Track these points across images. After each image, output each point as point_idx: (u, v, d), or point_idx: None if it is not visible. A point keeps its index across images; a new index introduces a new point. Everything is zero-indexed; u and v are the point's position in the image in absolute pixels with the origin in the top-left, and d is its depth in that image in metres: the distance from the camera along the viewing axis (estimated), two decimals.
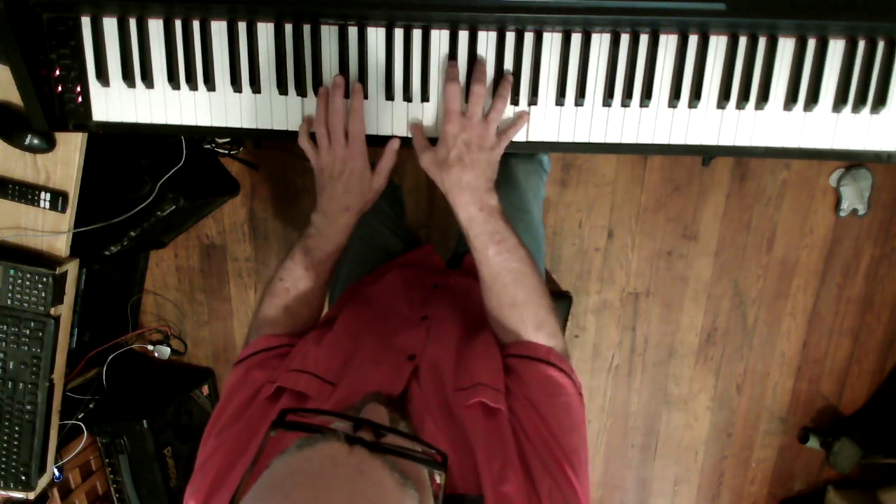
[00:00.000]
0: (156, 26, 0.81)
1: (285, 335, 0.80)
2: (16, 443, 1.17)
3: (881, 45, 0.77)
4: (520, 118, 0.80)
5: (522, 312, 0.73)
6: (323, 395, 0.65)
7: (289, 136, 0.85)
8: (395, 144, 0.83)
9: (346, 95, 0.81)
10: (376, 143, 0.83)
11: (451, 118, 0.76)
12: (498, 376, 0.67)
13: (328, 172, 0.81)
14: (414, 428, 0.60)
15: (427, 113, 0.83)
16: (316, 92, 0.82)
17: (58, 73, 0.83)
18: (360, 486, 0.41)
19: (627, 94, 0.80)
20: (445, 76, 0.79)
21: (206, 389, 1.95)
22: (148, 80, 0.83)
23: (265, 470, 0.44)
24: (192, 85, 0.83)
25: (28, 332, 1.12)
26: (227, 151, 1.67)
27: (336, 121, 0.79)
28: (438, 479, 0.46)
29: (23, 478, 1.19)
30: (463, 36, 0.79)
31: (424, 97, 0.82)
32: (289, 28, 0.80)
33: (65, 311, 1.15)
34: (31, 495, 1.22)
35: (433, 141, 0.80)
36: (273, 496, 0.40)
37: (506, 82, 0.79)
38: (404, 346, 0.73)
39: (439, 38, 0.80)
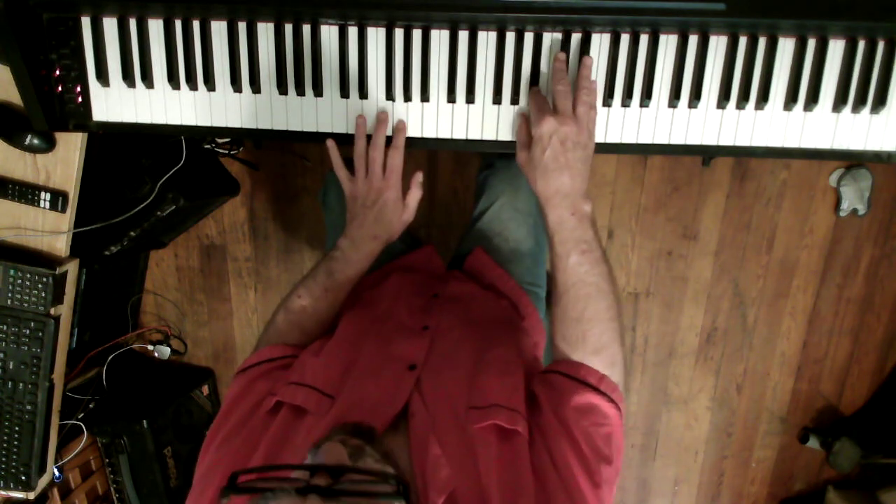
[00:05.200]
0: (156, 26, 0.81)
1: (290, 346, 0.80)
2: (16, 443, 1.17)
3: (881, 46, 0.77)
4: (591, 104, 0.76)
5: (585, 330, 0.69)
6: (322, 409, 0.65)
7: (289, 137, 0.85)
8: (419, 177, 0.85)
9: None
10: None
11: (542, 117, 0.71)
12: (515, 396, 0.64)
13: (361, 201, 0.84)
14: (408, 450, 0.58)
15: (428, 113, 0.83)
16: (316, 90, 0.82)
17: (58, 73, 0.83)
18: None
19: (627, 94, 0.80)
20: (530, 93, 0.79)
21: (206, 389, 1.95)
22: (148, 80, 0.83)
23: None
24: (192, 85, 0.83)
25: (28, 332, 1.12)
26: (227, 151, 1.67)
27: (377, 154, 0.82)
28: None
29: (23, 478, 1.19)
30: (463, 36, 0.79)
31: (424, 97, 0.82)
32: (289, 28, 0.80)
33: (65, 311, 1.15)
34: (31, 495, 1.22)
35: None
36: None
37: (585, 69, 0.75)
38: (403, 354, 0.71)
39: (439, 38, 0.80)
